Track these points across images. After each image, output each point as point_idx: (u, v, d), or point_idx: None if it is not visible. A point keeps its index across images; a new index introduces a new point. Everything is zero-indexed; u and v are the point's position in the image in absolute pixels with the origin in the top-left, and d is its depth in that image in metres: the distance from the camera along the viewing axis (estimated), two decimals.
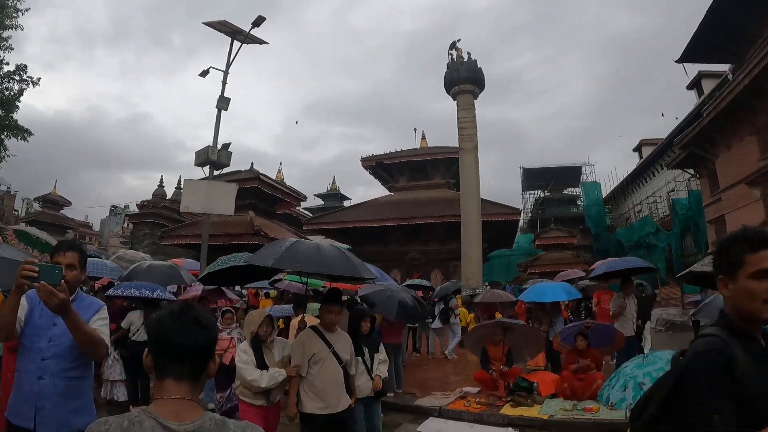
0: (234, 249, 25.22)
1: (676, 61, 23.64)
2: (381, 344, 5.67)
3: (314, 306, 12.40)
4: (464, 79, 19.94)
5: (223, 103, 14.26)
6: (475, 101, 19.94)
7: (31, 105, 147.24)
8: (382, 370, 5.27)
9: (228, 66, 14.52)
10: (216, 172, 14.74)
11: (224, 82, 14.42)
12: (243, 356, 4.55)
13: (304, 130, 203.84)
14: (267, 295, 16.40)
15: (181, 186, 27.73)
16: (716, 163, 21.34)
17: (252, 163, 28.59)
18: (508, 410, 7.51)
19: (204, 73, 14.71)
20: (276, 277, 16.45)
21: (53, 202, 44.44)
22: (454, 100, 20.17)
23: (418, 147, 33.66)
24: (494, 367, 8.42)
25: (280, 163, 48.78)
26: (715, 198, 22.47)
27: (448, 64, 20.65)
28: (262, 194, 27.53)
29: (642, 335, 9.67)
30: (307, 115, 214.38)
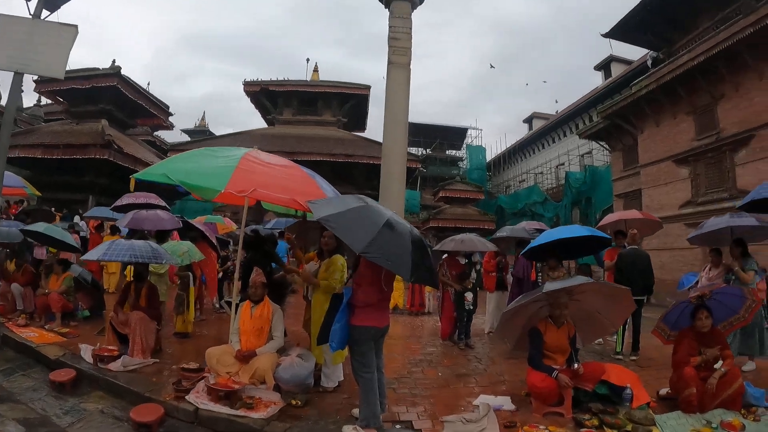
0: (76, 164, 18.94)
1: (604, 35, 22.86)
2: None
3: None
4: None
5: None
6: (411, 14, 15.81)
7: None
8: None
9: None
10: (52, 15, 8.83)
11: None
12: None
13: (176, 62, 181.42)
14: (115, 230, 11.69)
15: None
16: (640, 137, 20.66)
17: (114, 60, 22.13)
18: None
19: None
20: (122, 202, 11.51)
21: None
22: (387, 8, 16.06)
23: (309, 79, 29.07)
24: (557, 365, 4.66)
25: (148, 84, 38.24)
26: (630, 173, 21.98)
27: None
28: (121, 99, 22.12)
29: None
30: (181, 47, 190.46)
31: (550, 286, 4.65)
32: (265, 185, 4.38)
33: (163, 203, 10.71)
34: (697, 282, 7.36)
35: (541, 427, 4.17)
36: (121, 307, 6.43)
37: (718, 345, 4.69)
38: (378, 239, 3.67)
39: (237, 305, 5.52)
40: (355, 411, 4.29)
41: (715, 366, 4.63)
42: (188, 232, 9.20)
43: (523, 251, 7.45)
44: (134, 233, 9.54)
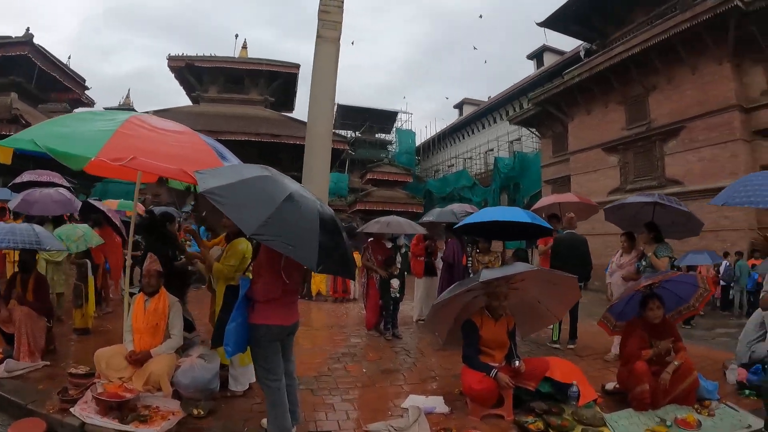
0: None
1: (539, 24, 22.99)
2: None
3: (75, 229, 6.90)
4: None
5: None
6: None
7: None
8: None
9: None
10: None
11: None
12: None
13: (103, 36, 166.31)
14: (18, 213, 10.13)
15: None
16: (570, 125, 20.99)
17: (28, 28, 20.35)
18: None
19: None
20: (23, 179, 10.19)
21: None
22: None
23: (236, 56, 27.85)
24: (496, 362, 4.22)
25: (69, 57, 33.69)
26: (559, 159, 22.38)
27: None
28: (34, 71, 20.92)
29: None
30: (108, 20, 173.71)
31: (487, 275, 4.14)
32: (147, 152, 3.50)
33: (64, 182, 9.61)
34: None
35: None
36: (6, 302, 5.47)
37: (670, 336, 4.35)
38: (275, 218, 2.91)
39: (131, 296, 4.74)
40: (264, 421, 3.65)
41: (667, 359, 4.30)
42: (91, 214, 8.23)
43: (457, 225, 6.97)
44: (34, 216, 8.45)
